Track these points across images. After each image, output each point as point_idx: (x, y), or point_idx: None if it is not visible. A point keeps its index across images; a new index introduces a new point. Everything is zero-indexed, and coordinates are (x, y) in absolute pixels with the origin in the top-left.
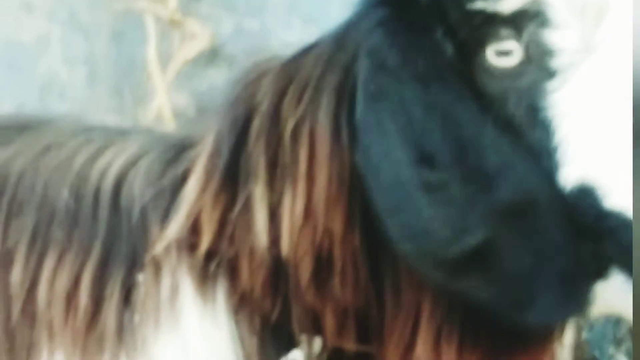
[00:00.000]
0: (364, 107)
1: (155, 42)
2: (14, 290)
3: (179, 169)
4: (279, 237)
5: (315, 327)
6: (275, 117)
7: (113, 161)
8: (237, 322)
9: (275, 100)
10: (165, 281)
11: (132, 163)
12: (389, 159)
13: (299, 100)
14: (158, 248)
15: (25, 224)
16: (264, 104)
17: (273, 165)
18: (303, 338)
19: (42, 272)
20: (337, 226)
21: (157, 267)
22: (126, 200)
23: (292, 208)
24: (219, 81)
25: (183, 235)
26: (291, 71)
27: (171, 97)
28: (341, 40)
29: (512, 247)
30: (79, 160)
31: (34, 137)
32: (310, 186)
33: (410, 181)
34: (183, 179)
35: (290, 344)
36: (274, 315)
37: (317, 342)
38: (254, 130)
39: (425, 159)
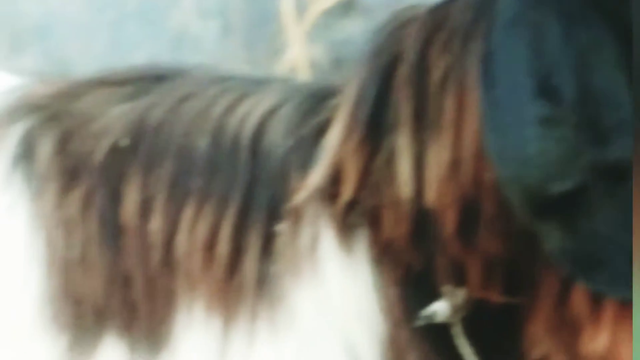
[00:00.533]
0: (499, 32)
1: None
2: (153, 239)
3: (319, 118)
4: (424, 188)
5: (460, 278)
6: (422, 65)
7: (252, 110)
8: (378, 273)
9: (422, 48)
10: (306, 231)
11: (272, 112)
12: (514, 85)
13: (447, 48)
14: (300, 197)
15: (164, 173)
16: (410, 53)
17: (418, 115)
18: (446, 289)
19: (181, 221)
20: (486, 176)
21: (298, 217)
22: (266, 149)
23: (437, 158)
24: (354, 33)
25: (325, 184)
26: (438, 18)
27: (306, 49)
28: None
29: (602, 207)
30: (217, 109)
31: (170, 88)
32: (457, 136)
33: (529, 110)
34: (323, 128)
35: (433, 295)
36: (417, 267)
37: (461, 294)
38: (399, 79)
39: (548, 92)
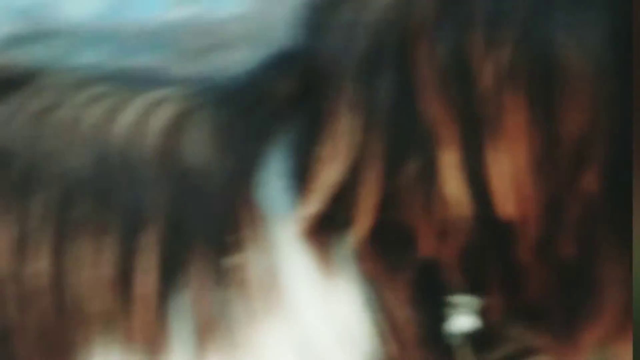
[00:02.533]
0: None
1: None
2: (36, 283)
3: (257, 121)
4: (490, 203)
5: (479, 286)
6: (460, 56)
7: (148, 119)
8: (376, 295)
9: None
10: (266, 260)
11: (180, 117)
12: None
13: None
14: (299, 230)
15: (41, 203)
16: (436, 36)
17: (466, 125)
18: (462, 300)
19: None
20: (575, 177)
21: (251, 245)
22: (186, 163)
23: (502, 169)
24: None
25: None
26: None
27: None
28: None
29: None
30: (90, 121)
31: (24, 97)
32: (530, 138)
33: None
34: (266, 134)
35: (442, 309)
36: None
37: (477, 302)
38: (425, 76)
39: None
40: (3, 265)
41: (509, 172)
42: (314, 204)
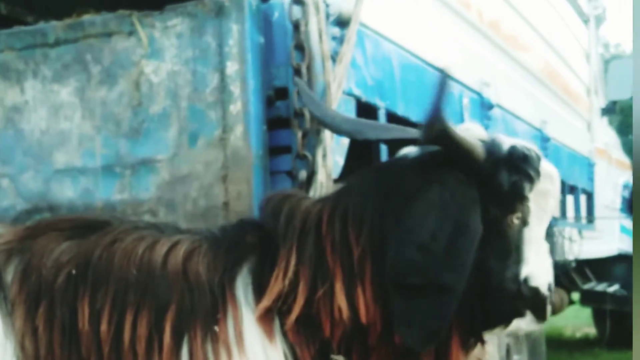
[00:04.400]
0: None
1: None
2: (103, 336)
3: (233, 256)
4: (356, 310)
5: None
6: (345, 239)
7: (173, 248)
8: (294, 352)
9: (341, 228)
10: (234, 328)
11: (194, 249)
12: None
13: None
14: (257, 315)
15: (107, 292)
16: (333, 234)
17: (345, 270)
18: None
19: (125, 323)
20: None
21: (229, 318)
22: (194, 273)
23: (363, 295)
24: None
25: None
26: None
27: None
28: None
29: None
30: (140, 249)
31: (101, 234)
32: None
33: None
34: (238, 261)
35: None
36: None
37: None
38: (329, 248)
39: None
40: (85, 326)
41: (364, 298)
42: (266, 302)
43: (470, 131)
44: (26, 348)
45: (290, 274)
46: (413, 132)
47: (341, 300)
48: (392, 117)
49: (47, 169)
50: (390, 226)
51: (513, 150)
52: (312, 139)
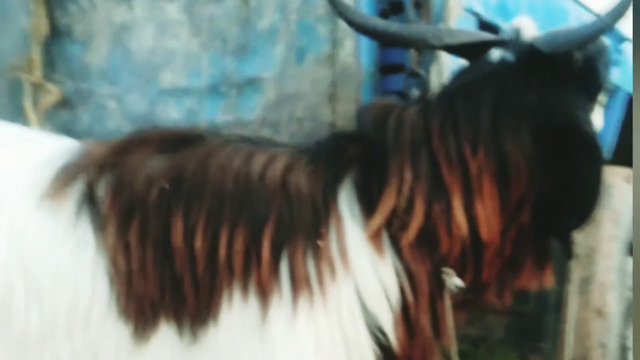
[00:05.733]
0: None
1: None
2: (197, 253)
3: (334, 170)
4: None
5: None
6: (460, 151)
7: (271, 162)
8: (406, 266)
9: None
10: (337, 244)
11: (292, 163)
12: None
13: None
14: (369, 232)
15: (201, 207)
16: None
17: (464, 185)
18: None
19: (220, 238)
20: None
21: (331, 234)
22: (294, 188)
23: (484, 209)
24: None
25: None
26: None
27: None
28: None
29: None
30: (236, 162)
31: (193, 148)
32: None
33: None
34: (338, 176)
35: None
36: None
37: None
38: (444, 160)
39: None
40: (179, 243)
41: (485, 213)
42: (379, 219)
43: (525, 28)
44: (118, 264)
45: (405, 189)
46: (481, 36)
47: (460, 216)
48: None
49: (153, 90)
50: (506, 139)
51: (597, 44)
52: (427, 56)
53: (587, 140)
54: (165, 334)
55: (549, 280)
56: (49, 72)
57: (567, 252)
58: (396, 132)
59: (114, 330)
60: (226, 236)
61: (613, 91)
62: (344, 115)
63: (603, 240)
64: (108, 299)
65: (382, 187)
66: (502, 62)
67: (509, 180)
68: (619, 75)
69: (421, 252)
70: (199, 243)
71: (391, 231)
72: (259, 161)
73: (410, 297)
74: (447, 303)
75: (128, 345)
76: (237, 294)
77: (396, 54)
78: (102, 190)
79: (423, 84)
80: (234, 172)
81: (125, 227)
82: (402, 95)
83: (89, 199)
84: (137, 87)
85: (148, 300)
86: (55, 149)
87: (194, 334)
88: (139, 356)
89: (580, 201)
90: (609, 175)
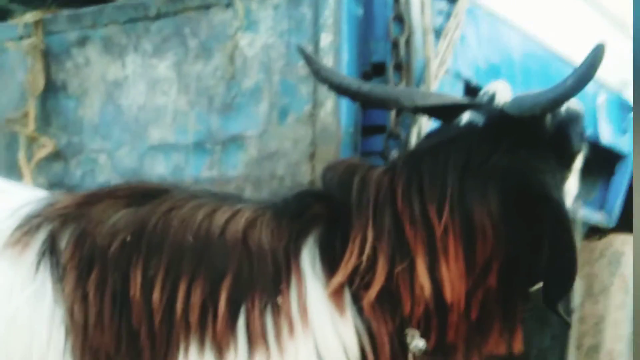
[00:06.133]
0: None
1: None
2: (155, 306)
3: (297, 226)
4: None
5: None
6: (426, 216)
7: (234, 216)
8: (368, 325)
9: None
10: (298, 299)
11: (255, 218)
12: None
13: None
14: (330, 290)
15: (161, 260)
16: (412, 210)
17: (427, 247)
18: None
19: (178, 292)
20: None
21: (292, 290)
22: (256, 243)
23: (448, 272)
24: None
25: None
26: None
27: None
28: None
29: None
30: (199, 216)
31: (158, 202)
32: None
33: None
34: (302, 233)
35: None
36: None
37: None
38: (409, 226)
39: None
40: (137, 294)
41: (449, 274)
42: (340, 277)
43: (500, 93)
44: (75, 315)
45: (367, 249)
46: (453, 99)
47: (423, 276)
48: None
49: (142, 145)
50: (473, 201)
51: (570, 110)
52: (407, 118)
53: (553, 206)
54: None
55: (518, 346)
56: (45, 125)
57: (563, 321)
58: (360, 191)
59: None
60: (184, 289)
61: (621, 159)
62: None
63: (612, 308)
64: (63, 349)
65: (345, 246)
66: (470, 125)
67: (474, 242)
68: (627, 143)
69: (383, 311)
70: (156, 295)
71: (353, 290)
72: (221, 216)
73: (371, 356)
74: None
75: None
76: (193, 348)
77: (379, 116)
78: (64, 241)
79: (403, 146)
80: (195, 226)
81: (84, 277)
82: (382, 156)
83: (51, 249)
84: (127, 142)
85: (104, 353)
86: (23, 198)
87: None
88: None
89: (556, 268)
90: (618, 243)
